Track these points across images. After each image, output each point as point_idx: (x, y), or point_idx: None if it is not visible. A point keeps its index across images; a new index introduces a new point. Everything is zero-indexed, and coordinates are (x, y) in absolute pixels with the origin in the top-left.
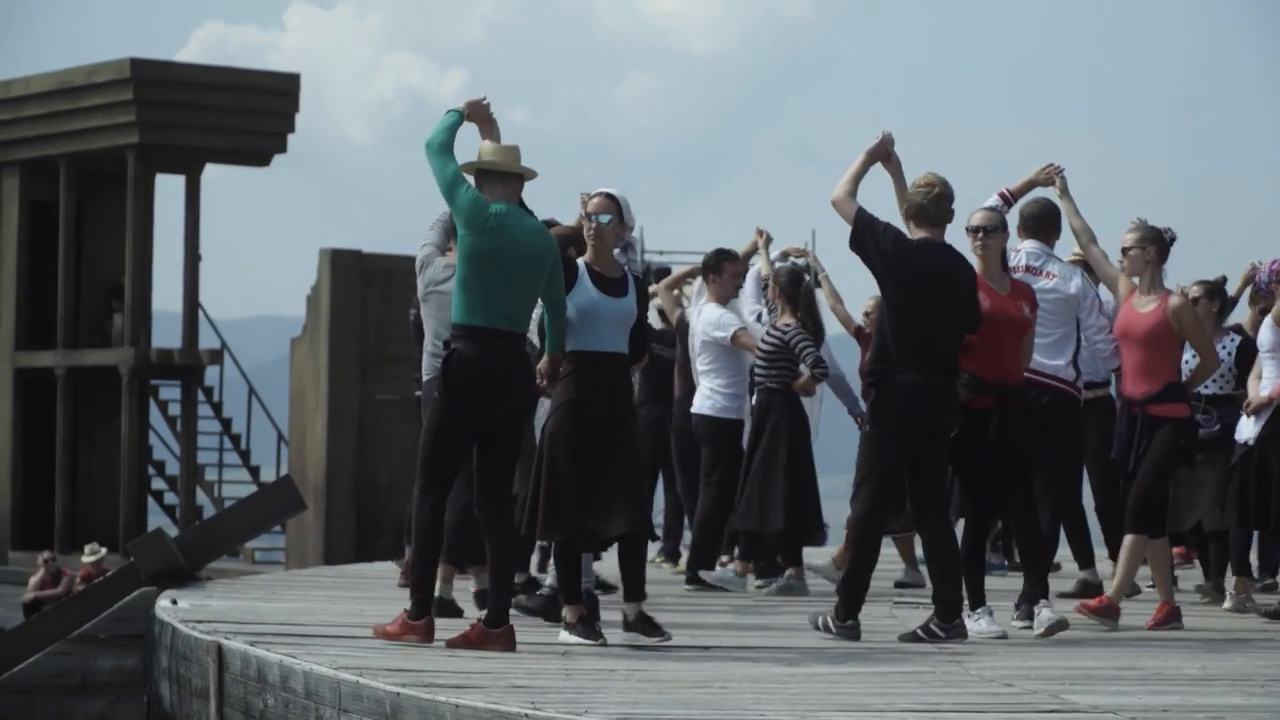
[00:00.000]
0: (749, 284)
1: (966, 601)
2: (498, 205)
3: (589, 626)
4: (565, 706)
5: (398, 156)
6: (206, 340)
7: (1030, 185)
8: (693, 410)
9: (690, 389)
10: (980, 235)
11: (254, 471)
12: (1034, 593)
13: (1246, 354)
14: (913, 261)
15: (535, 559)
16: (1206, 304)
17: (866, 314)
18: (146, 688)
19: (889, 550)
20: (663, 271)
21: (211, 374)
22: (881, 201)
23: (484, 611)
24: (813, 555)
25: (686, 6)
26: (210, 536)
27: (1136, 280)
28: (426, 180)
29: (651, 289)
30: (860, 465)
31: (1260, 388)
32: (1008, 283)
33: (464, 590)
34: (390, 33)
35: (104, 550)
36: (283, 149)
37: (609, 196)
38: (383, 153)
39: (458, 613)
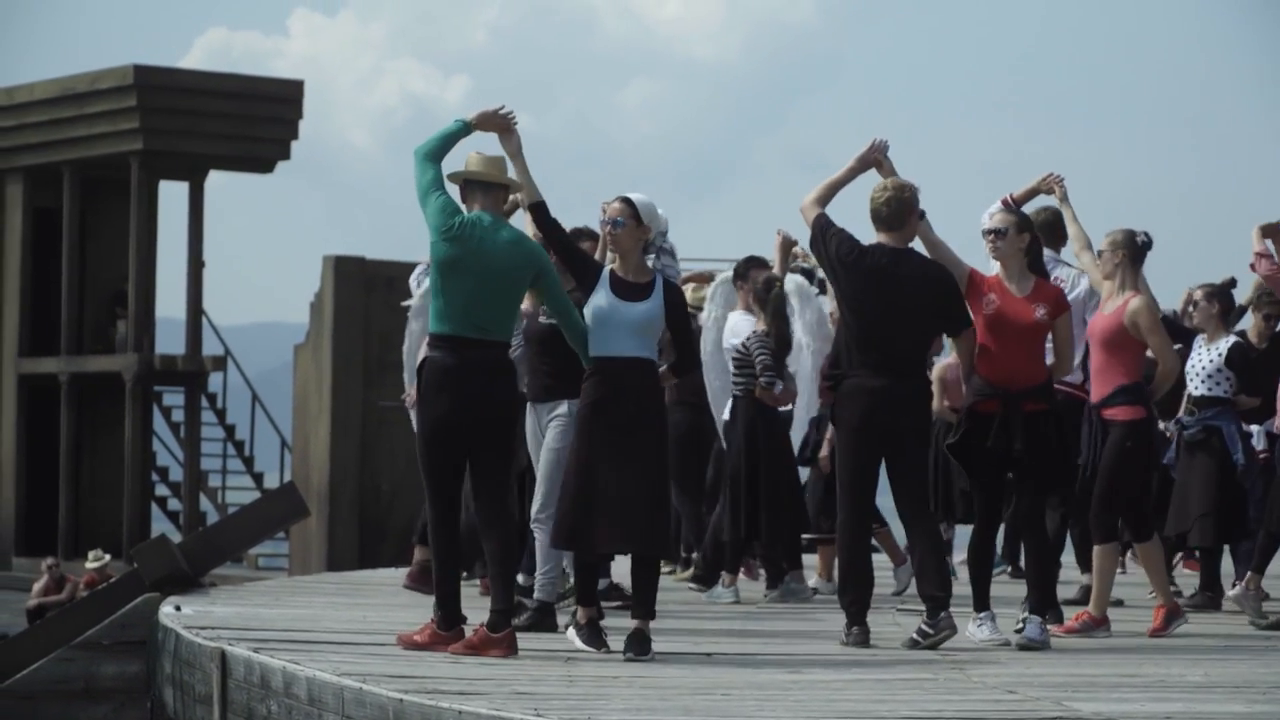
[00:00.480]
0: None
1: (972, 605)
2: (473, 215)
3: (595, 632)
4: (568, 713)
5: (401, 163)
6: (210, 346)
7: (1033, 193)
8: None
9: (678, 398)
10: (991, 237)
11: (257, 478)
12: (1037, 607)
13: (1239, 358)
14: (857, 265)
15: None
16: (1207, 306)
17: (831, 314)
18: (150, 694)
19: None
20: None
21: (215, 380)
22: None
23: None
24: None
25: (690, 13)
26: (214, 543)
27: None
28: None
29: None
30: (838, 475)
31: None
32: (1030, 284)
33: (467, 596)
34: (394, 39)
35: (107, 556)
36: (286, 155)
37: (624, 201)
38: (386, 159)
39: (460, 619)
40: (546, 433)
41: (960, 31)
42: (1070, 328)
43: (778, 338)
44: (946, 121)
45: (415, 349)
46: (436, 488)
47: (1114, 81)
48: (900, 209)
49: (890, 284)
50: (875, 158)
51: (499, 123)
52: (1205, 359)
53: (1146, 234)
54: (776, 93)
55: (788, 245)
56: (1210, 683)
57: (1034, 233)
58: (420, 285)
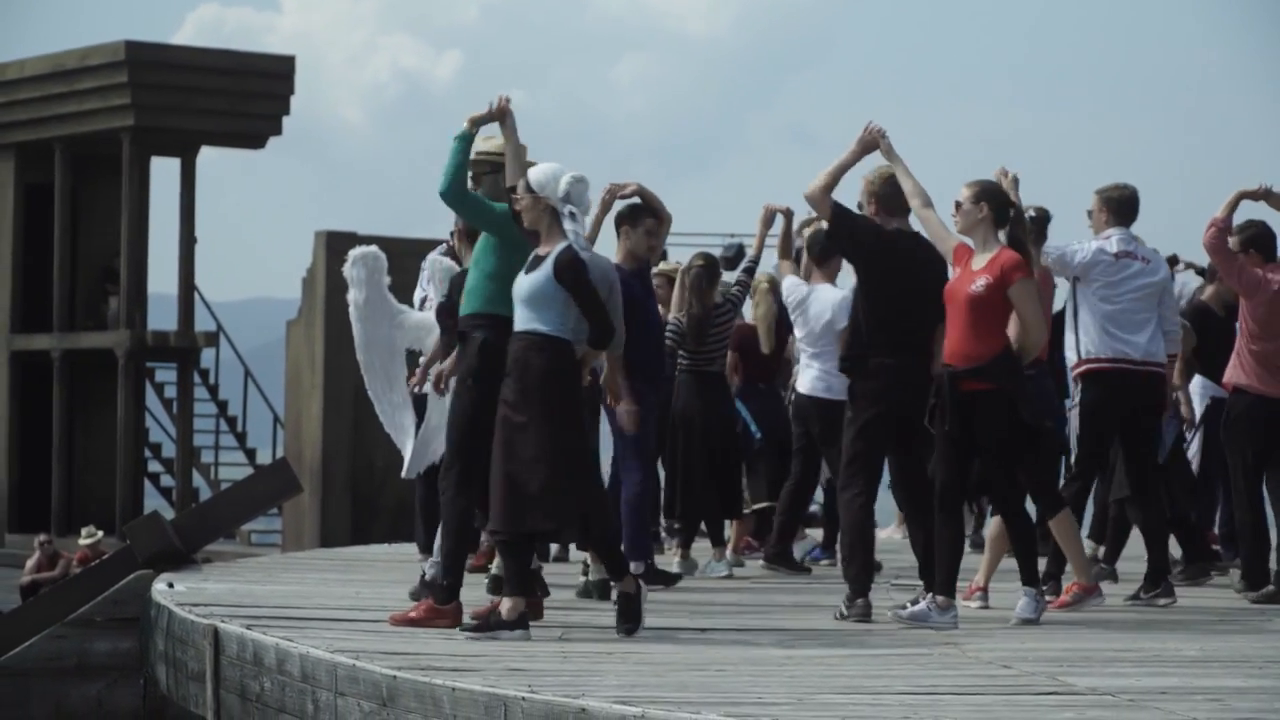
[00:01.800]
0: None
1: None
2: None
3: (521, 624)
4: (562, 689)
5: (393, 139)
6: (202, 323)
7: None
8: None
9: None
10: (952, 211)
11: (250, 454)
12: (1026, 580)
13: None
14: (894, 248)
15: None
16: None
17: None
18: (143, 671)
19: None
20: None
21: (207, 356)
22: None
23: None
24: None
25: None
26: (206, 519)
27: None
28: (422, 163)
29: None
30: (845, 449)
31: None
32: (988, 256)
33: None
34: (386, 15)
35: (100, 533)
36: (278, 131)
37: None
38: (378, 135)
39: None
40: None
41: (956, 6)
42: (1030, 299)
43: (690, 319)
44: (940, 97)
45: (362, 319)
46: (473, 465)
47: (1114, 59)
48: (899, 192)
49: (916, 267)
50: (872, 139)
51: (491, 115)
52: None
53: (1038, 209)
54: (768, 68)
55: (768, 220)
56: (1206, 657)
57: (1000, 203)
58: (428, 267)
